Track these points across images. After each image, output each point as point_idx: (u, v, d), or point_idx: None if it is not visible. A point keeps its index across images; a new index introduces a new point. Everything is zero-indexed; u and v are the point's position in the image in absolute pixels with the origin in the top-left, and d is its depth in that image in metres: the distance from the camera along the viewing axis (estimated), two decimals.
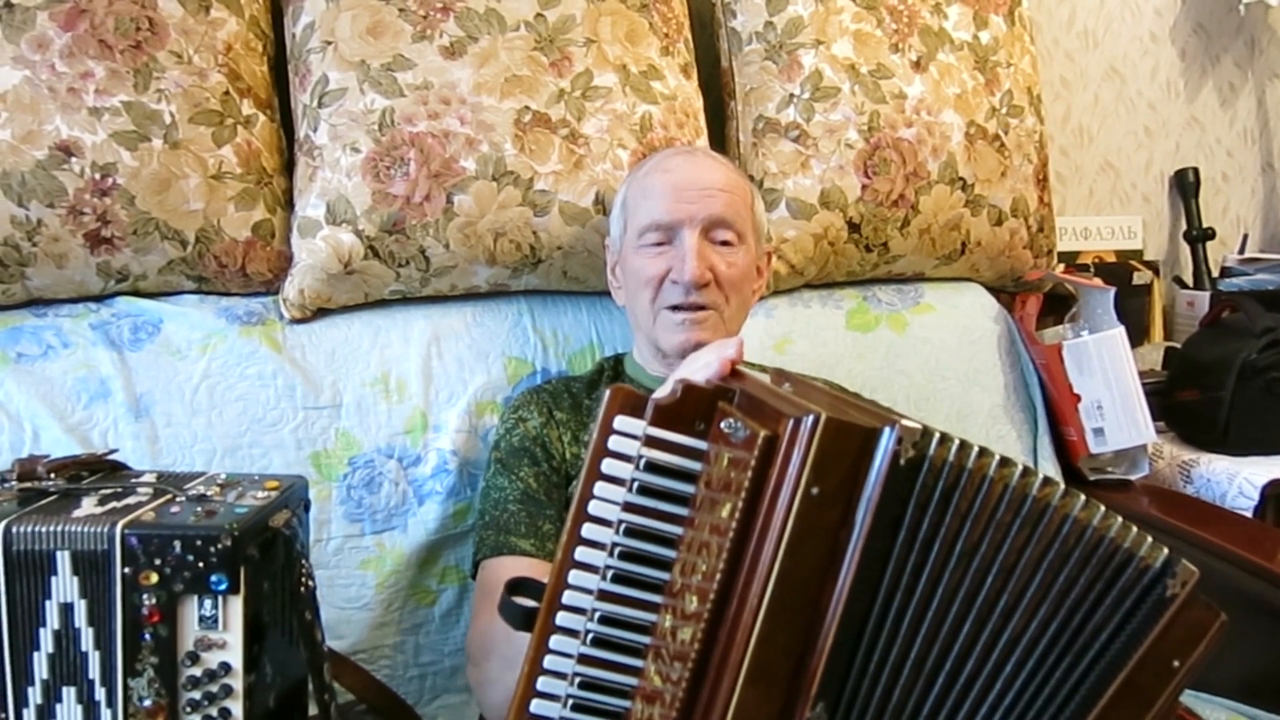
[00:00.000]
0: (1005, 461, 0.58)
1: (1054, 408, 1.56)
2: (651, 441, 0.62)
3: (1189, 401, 1.60)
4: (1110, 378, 1.47)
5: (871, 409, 0.63)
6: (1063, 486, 0.59)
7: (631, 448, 0.62)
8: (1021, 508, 0.58)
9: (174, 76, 1.23)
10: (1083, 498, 0.59)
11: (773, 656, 0.57)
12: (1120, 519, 0.60)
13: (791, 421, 0.56)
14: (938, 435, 0.57)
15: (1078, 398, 1.50)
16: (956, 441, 0.57)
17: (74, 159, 1.17)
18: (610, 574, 0.63)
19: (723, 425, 0.61)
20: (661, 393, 0.66)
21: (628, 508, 0.62)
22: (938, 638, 0.58)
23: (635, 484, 0.62)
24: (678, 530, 0.63)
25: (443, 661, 1.27)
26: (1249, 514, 1.42)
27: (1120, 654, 0.59)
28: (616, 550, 0.63)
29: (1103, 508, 0.60)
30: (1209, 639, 0.61)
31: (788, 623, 0.57)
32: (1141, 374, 1.51)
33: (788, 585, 0.56)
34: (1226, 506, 1.46)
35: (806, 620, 0.57)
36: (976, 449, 0.57)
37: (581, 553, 0.63)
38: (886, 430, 0.56)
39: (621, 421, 0.62)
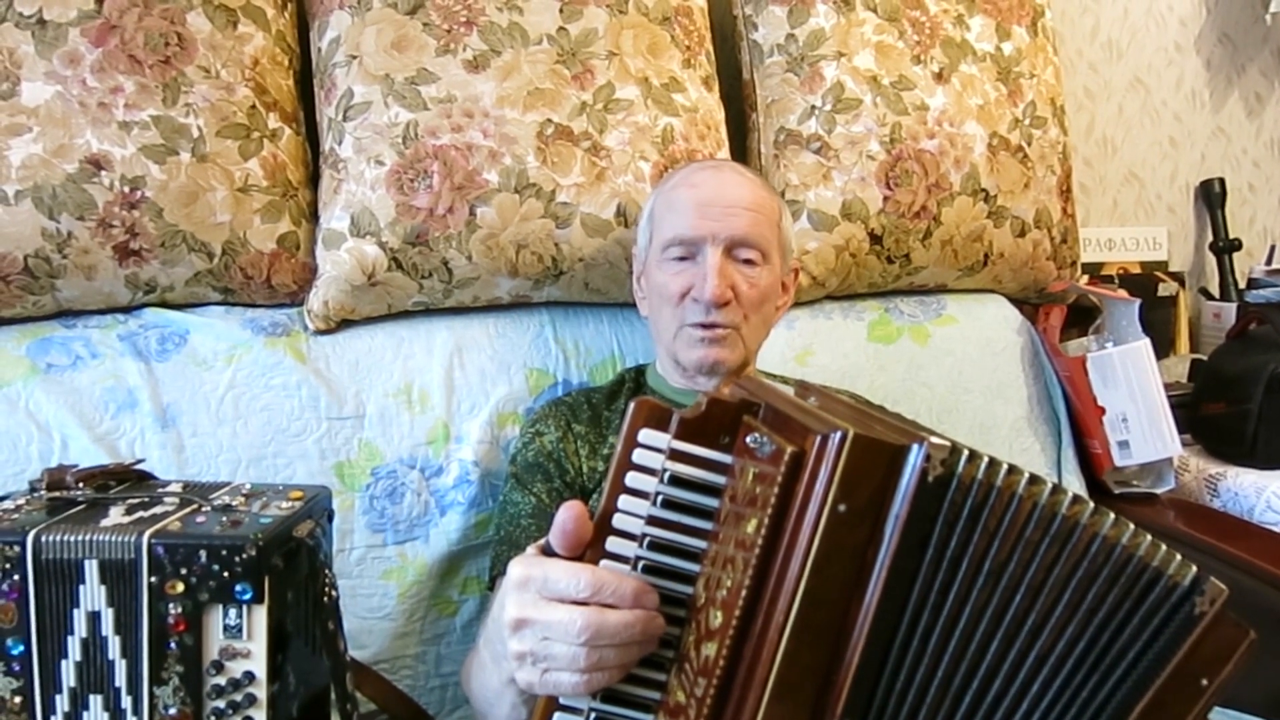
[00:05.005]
0: (1034, 479, 0.57)
1: (1078, 420, 1.55)
2: (676, 455, 0.61)
3: (1215, 414, 1.58)
4: (1135, 390, 1.46)
5: (898, 424, 0.62)
6: (1092, 504, 0.58)
7: (656, 461, 0.62)
8: (1050, 525, 0.57)
9: (202, 91, 1.24)
10: (1112, 515, 0.58)
11: (798, 674, 0.57)
12: (1149, 536, 0.59)
13: (819, 438, 0.56)
14: (966, 452, 0.56)
15: (1102, 410, 1.49)
16: (985, 458, 0.56)
17: (104, 172, 1.19)
18: None
19: (748, 440, 0.60)
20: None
21: (652, 521, 0.62)
22: (965, 656, 0.58)
23: (660, 498, 0.62)
24: (702, 544, 0.62)
25: None
26: (1277, 529, 1.40)
27: (1147, 672, 0.59)
28: (640, 564, 0.62)
29: (1132, 525, 0.59)
30: (1238, 657, 0.60)
31: (814, 640, 0.56)
32: (1167, 386, 1.50)
33: (814, 602, 0.56)
34: (1254, 521, 1.44)
35: (833, 638, 0.57)
36: (1005, 466, 0.57)
37: (606, 565, 0.62)
38: (915, 447, 0.55)
39: (646, 435, 0.62)
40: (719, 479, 0.62)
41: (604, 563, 0.63)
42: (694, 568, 0.62)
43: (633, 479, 0.62)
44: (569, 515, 0.63)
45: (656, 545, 0.62)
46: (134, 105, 1.21)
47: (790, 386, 0.74)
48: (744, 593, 0.58)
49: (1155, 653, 0.59)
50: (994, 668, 0.58)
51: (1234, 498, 1.48)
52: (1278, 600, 1.20)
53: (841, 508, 0.55)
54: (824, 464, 0.55)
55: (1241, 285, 1.99)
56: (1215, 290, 2.05)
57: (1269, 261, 2.04)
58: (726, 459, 0.62)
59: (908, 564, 0.56)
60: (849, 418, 0.60)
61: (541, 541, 0.66)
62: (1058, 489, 0.58)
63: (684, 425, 0.62)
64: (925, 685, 0.58)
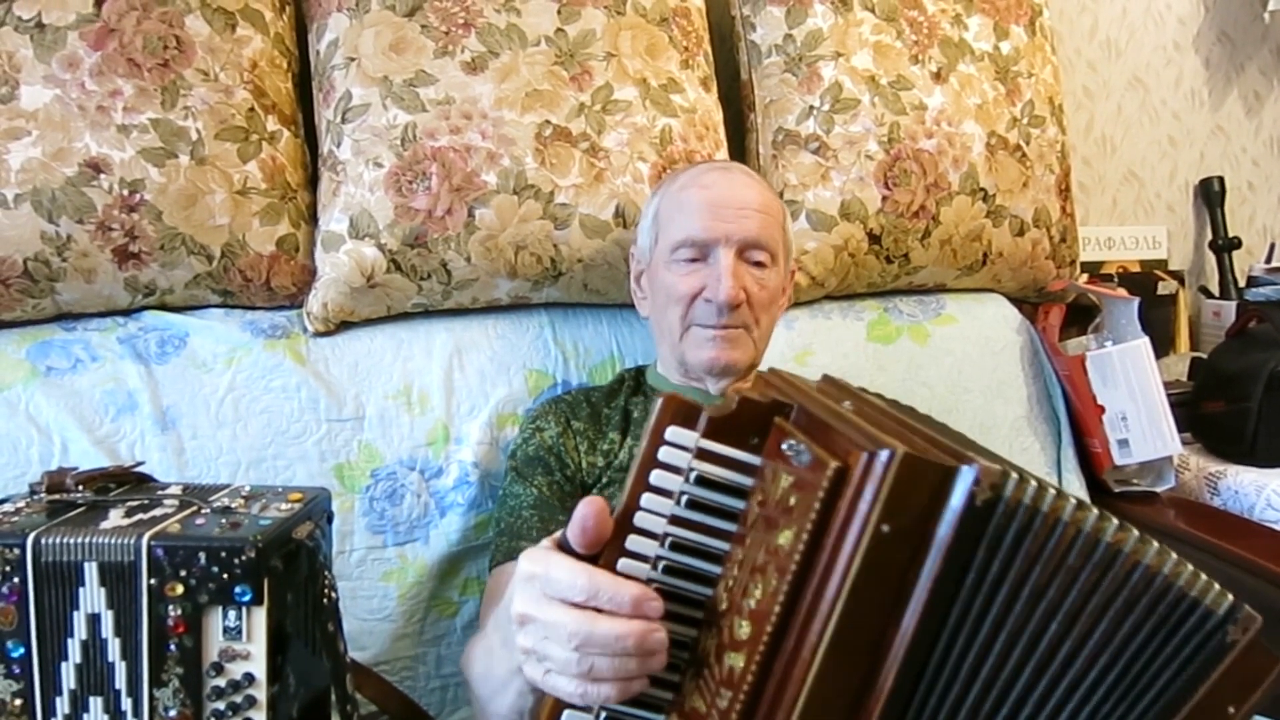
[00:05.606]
0: (1081, 504, 0.56)
1: (1078, 419, 1.55)
2: (703, 454, 0.60)
3: (1215, 413, 1.58)
4: (1135, 389, 1.46)
5: (942, 439, 0.59)
6: (1136, 533, 0.56)
7: (682, 460, 0.60)
8: (1093, 553, 0.56)
9: (200, 94, 1.25)
10: (1155, 544, 0.57)
11: (830, 695, 0.55)
12: (1190, 566, 0.57)
13: (866, 456, 0.53)
14: (1015, 477, 0.54)
15: (1102, 409, 1.49)
16: (1033, 483, 0.55)
17: (103, 175, 1.19)
18: (654, 588, 0.61)
19: (784, 446, 0.58)
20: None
21: (674, 521, 0.61)
22: (996, 681, 0.56)
23: (684, 497, 0.60)
24: (724, 546, 0.61)
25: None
26: (1277, 527, 1.40)
27: (1175, 700, 0.58)
28: (661, 564, 0.61)
29: (1174, 555, 0.57)
30: (1266, 685, 0.58)
31: (847, 661, 0.55)
32: (1167, 385, 1.50)
33: (851, 623, 0.54)
34: (1254, 519, 1.44)
35: (867, 659, 0.55)
36: (1053, 491, 0.55)
37: (625, 565, 0.61)
38: (965, 470, 0.53)
39: (673, 432, 0.60)
40: (746, 480, 0.60)
41: (623, 561, 0.61)
42: (715, 569, 0.61)
43: (657, 477, 0.60)
44: (590, 511, 0.61)
45: (678, 546, 0.61)
46: (133, 108, 1.21)
47: (812, 381, 0.73)
48: (778, 608, 0.56)
49: (1184, 680, 0.58)
50: (1024, 694, 0.57)
51: (1234, 496, 1.48)
52: (1278, 598, 1.20)
53: (885, 528, 0.53)
54: (869, 482, 0.53)
55: (1241, 283, 1.99)
56: (1215, 288, 2.04)
57: (1268, 259, 2.04)
58: (755, 460, 0.60)
59: (947, 587, 0.54)
60: (891, 430, 0.58)
61: (558, 534, 0.65)
62: (1104, 516, 0.56)
63: (713, 424, 0.60)
64: (955, 710, 0.57)
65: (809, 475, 0.56)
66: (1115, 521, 0.56)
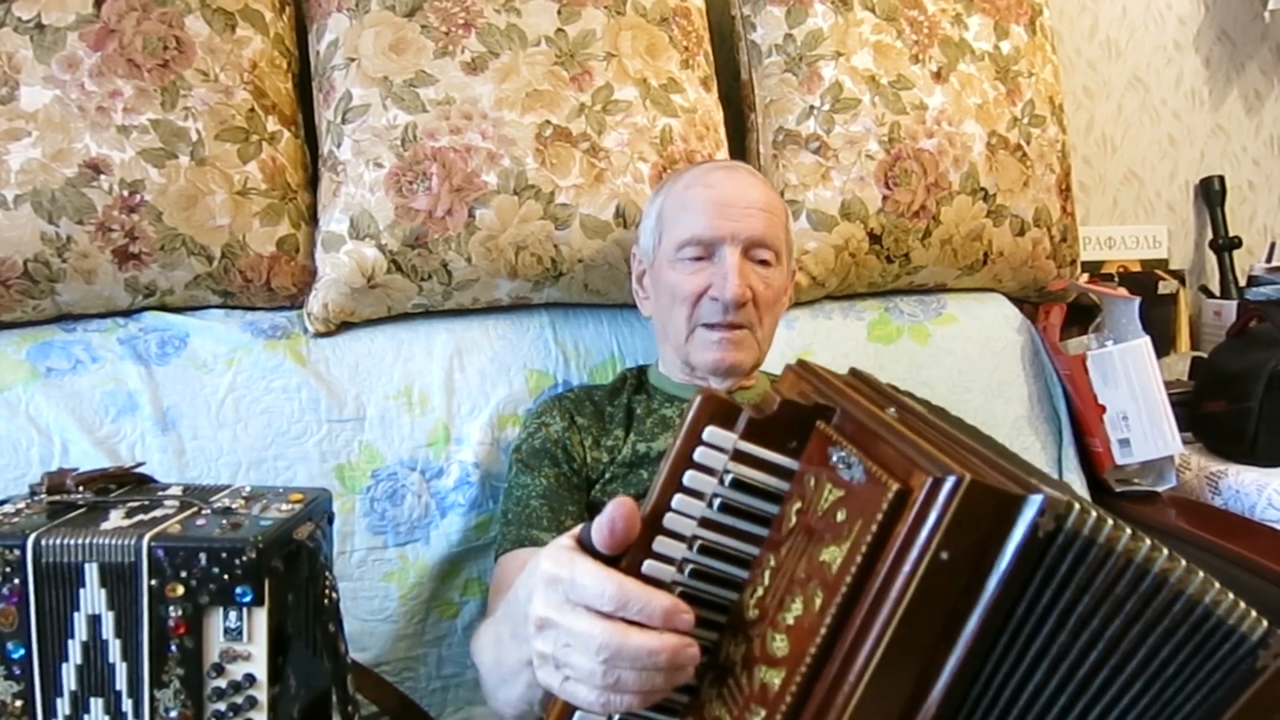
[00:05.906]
0: (1135, 535, 0.55)
1: (1079, 419, 1.55)
2: (740, 457, 0.58)
3: (1216, 412, 1.58)
4: (1136, 388, 1.46)
5: (997, 458, 0.58)
6: (1183, 563, 0.56)
7: (718, 461, 0.58)
8: (1140, 584, 0.55)
9: (200, 94, 1.24)
10: (1200, 574, 0.56)
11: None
12: (1231, 595, 0.57)
13: (930, 480, 0.51)
14: (1078, 508, 0.53)
15: (1103, 409, 1.49)
16: (1094, 514, 0.54)
17: (103, 176, 1.19)
18: (678, 590, 0.59)
19: (832, 457, 0.57)
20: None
21: (705, 524, 0.59)
22: (1035, 705, 0.56)
23: (717, 500, 0.59)
24: (754, 551, 0.59)
25: (465, 674, 1.27)
26: (1278, 526, 1.40)
27: None
28: (687, 567, 0.59)
29: (1217, 584, 0.57)
30: None
31: (893, 688, 0.53)
32: (1168, 384, 1.49)
33: (899, 650, 0.53)
34: (1255, 519, 1.43)
35: (912, 687, 0.54)
36: (1111, 523, 0.54)
37: (650, 566, 0.59)
38: (1033, 500, 0.52)
39: (711, 433, 0.58)
40: (782, 485, 0.59)
41: (648, 563, 0.59)
42: (742, 574, 0.60)
43: (691, 478, 0.58)
44: (619, 513, 0.58)
45: (707, 549, 0.59)
46: (133, 109, 1.21)
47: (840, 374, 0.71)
48: (824, 629, 0.54)
49: (1213, 704, 0.57)
50: (1060, 718, 0.57)
51: (1235, 495, 1.48)
52: (1278, 598, 1.20)
53: (944, 555, 0.51)
54: (932, 509, 0.51)
55: (1242, 283, 1.99)
56: (1215, 288, 2.04)
57: (1269, 259, 2.04)
58: (793, 465, 0.59)
59: (999, 616, 0.54)
60: (945, 447, 0.56)
61: (578, 531, 0.63)
62: (1155, 546, 0.55)
63: (752, 426, 0.58)
64: None
65: (864, 492, 0.54)
66: (1165, 551, 0.55)
